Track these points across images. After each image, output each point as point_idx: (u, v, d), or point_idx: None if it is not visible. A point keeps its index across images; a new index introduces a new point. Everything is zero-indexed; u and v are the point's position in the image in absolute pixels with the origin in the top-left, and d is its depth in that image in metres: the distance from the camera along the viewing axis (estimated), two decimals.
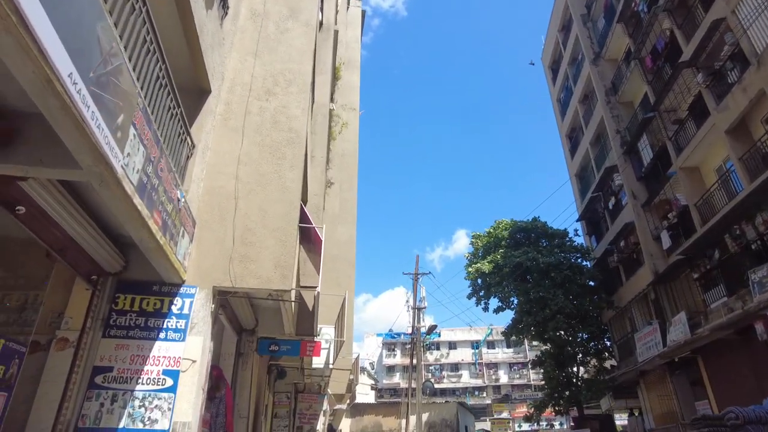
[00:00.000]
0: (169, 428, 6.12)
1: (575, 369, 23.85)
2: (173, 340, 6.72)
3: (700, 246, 16.93)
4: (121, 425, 5.91)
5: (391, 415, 27.23)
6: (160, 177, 4.97)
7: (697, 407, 19.11)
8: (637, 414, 24.03)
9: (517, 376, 61.37)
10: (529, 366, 59.59)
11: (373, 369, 53.02)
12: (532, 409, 25.08)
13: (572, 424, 34.87)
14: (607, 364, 26.59)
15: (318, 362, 12.85)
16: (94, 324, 6.08)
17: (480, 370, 62.65)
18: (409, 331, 49.53)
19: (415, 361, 21.08)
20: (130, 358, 6.30)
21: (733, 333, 15.40)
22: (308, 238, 9.38)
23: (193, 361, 6.56)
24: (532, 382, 58.74)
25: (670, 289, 19.77)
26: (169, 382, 6.47)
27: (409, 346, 43.63)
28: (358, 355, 17.57)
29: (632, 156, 23.08)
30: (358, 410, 28.91)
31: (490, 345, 64.92)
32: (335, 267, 19.86)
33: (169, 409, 6.27)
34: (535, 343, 28.10)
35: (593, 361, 25.87)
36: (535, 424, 29.98)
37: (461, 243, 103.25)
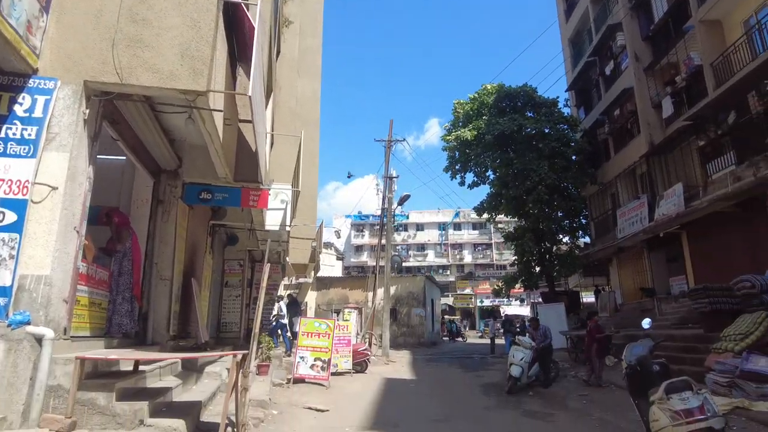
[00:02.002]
0: (12, 284, 3.91)
1: (549, 245, 22.96)
2: (16, 155, 4.33)
3: (712, 109, 14.93)
4: None
5: (357, 288, 26.54)
6: None
7: (671, 283, 18.66)
8: (607, 290, 23.92)
9: (481, 256, 62.71)
10: (493, 247, 60.91)
11: (341, 249, 52.70)
12: (502, 284, 24.58)
13: (539, 299, 35.69)
14: (580, 242, 26.08)
15: (272, 223, 10.76)
16: None
17: (445, 250, 63.68)
18: (378, 213, 48.56)
19: (384, 235, 19.53)
20: None
21: (732, 205, 14.10)
22: (243, 44, 6.66)
23: (53, 188, 4.20)
24: (494, 262, 60.32)
25: (664, 162, 18.16)
26: (11, 216, 4.15)
27: (378, 227, 42.84)
28: (323, 222, 15.76)
29: (640, 12, 20.11)
30: (324, 284, 28.15)
31: (456, 227, 65.48)
32: (296, 126, 17.21)
33: (11, 256, 4.00)
34: (504, 219, 27.19)
35: (566, 239, 25.16)
36: (505, 299, 30.08)
37: (433, 132, 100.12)
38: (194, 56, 4.72)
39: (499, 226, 61.93)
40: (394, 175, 18.93)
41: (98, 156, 7.22)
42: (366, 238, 65.33)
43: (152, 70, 4.65)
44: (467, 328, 46.27)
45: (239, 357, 4.56)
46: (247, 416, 5.01)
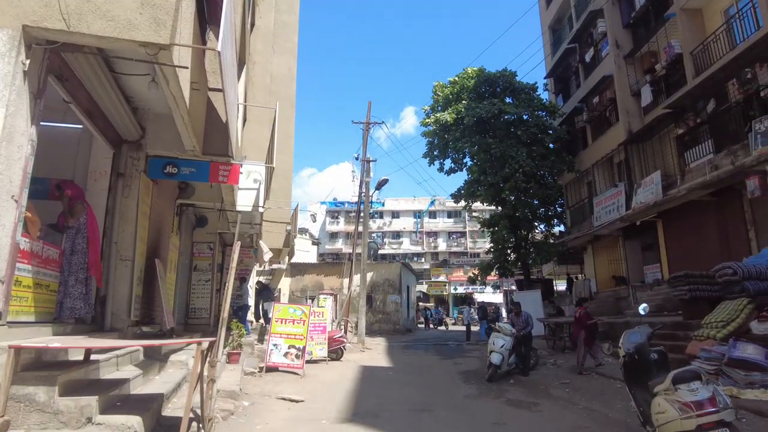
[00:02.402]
0: None
1: (525, 233, 22.93)
2: None
3: (691, 97, 14.92)
4: None
5: (332, 275, 26.05)
6: None
7: (645, 272, 18.81)
8: (581, 278, 24.08)
9: (455, 244, 62.96)
10: (468, 236, 61.18)
11: (316, 235, 51.97)
12: (478, 271, 24.49)
13: (513, 287, 35.89)
14: (555, 231, 26.20)
15: (244, 204, 10.18)
16: None
17: (420, 238, 63.70)
18: (354, 200, 47.81)
19: (362, 220, 19.07)
20: None
21: (709, 194, 14.16)
22: (213, 5, 6.08)
23: None
24: (468, 250, 60.63)
25: (642, 150, 18.18)
26: None
27: (353, 214, 42.21)
28: (297, 205, 15.21)
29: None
30: (298, 270, 27.55)
31: (432, 215, 65.56)
32: (272, 104, 16.51)
33: None
34: (479, 207, 26.94)
35: (541, 227, 25.23)
36: (480, 286, 30.05)
37: (409, 122, 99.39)
38: (156, 4, 4.15)
39: (474, 214, 62.41)
40: (372, 159, 18.43)
41: (53, 124, 6.61)
42: (341, 225, 64.81)
43: (106, 17, 4.05)
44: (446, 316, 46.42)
45: (205, 345, 4.07)
46: (213, 409, 4.54)
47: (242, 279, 13.76)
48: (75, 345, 3.91)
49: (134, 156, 6.73)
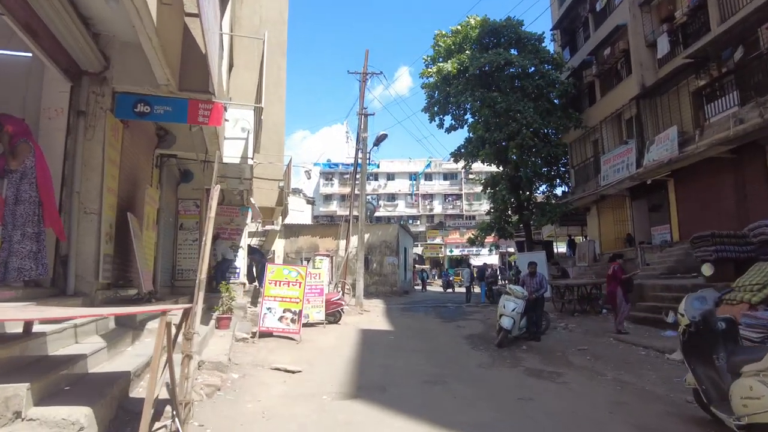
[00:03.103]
0: None
1: (527, 193, 22.09)
2: None
3: (715, 46, 13.82)
4: None
5: (328, 236, 25.22)
6: None
7: (653, 232, 18.16)
8: (585, 240, 23.45)
9: (451, 206, 62.29)
10: (464, 198, 60.43)
11: (311, 196, 50.86)
12: (477, 232, 23.76)
13: (510, 249, 35.34)
14: (557, 191, 25.42)
15: (231, 155, 9.20)
16: None
17: (416, 201, 62.93)
18: (348, 161, 46.50)
19: (359, 179, 18.10)
20: None
21: (728, 151, 13.28)
22: None
23: None
24: (464, 213, 60.06)
25: (655, 105, 17.18)
26: None
27: (348, 176, 40.94)
28: (291, 159, 14.18)
29: None
30: (292, 231, 26.68)
31: (428, 177, 64.60)
32: (258, 47, 15.23)
33: None
34: (477, 168, 25.87)
35: (542, 187, 24.40)
36: (479, 248, 29.43)
37: (404, 82, 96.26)
38: None
39: (471, 176, 61.42)
40: (370, 113, 17.28)
41: None
42: (336, 187, 63.78)
43: None
44: (436, 278, 46.16)
45: (172, 316, 3.20)
46: (190, 391, 3.73)
47: (215, 237, 12.74)
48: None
49: (97, 91, 5.69)
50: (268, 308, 9.18)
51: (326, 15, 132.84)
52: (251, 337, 8.92)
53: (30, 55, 5.42)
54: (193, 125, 7.73)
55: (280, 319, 9.16)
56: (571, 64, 22.03)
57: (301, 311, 9.29)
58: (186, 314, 3.66)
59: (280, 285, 9.32)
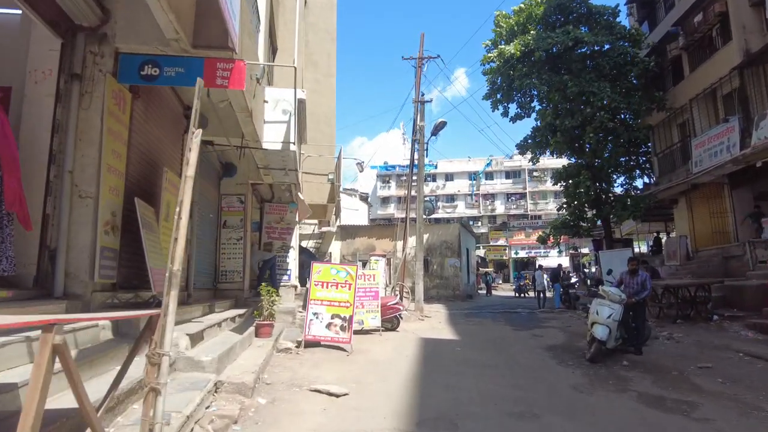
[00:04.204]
0: None
1: (605, 186, 19.78)
2: None
3: None
4: None
5: (385, 238, 24.04)
6: None
7: (764, 225, 15.47)
8: (673, 235, 20.77)
9: (514, 206, 59.58)
10: (528, 197, 57.46)
11: (364, 192, 49.98)
12: (550, 230, 21.62)
13: (585, 250, 32.66)
14: (636, 183, 22.80)
15: (271, 140, 8.13)
16: None
17: (476, 201, 60.71)
18: (405, 163, 45.23)
19: (416, 174, 16.71)
20: None
21: None
22: None
23: None
24: (529, 212, 57.19)
25: (764, 74, 14.60)
26: None
27: (405, 178, 39.65)
28: (341, 149, 13.06)
29: None
30: (348, 232, 25.74)
31: (488, 176, 62.26)
32: (308, 39, 14.26)
33: None
34: (540, 166, 23.59)
35: (620, 179, 21.87)
36: (555, 247, 27.12)
37: (460, 84, 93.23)
38: None
39: (535, 174, 58.33)
40: (427, 99, 15.87)
41: None
42: (392, 190, 62.84)
43: None
44: (500, 281, 43.82)
45: (56, 332, 1.92)
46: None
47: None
48: None
49: (95, 51, 4.70)
50: (315, 314, 7.98)
51: (376, 10, 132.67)
52: (296, 346, 7.76)
53: (20, 12, 4.52)
54: (221, 102, 6.72)
55: (328, 326, 7.94)
56: (650, 40, 19.53)
57: (351, 317, 8.02)
58: (150, 327, 2.43)
59: (327, 287, 8.10)
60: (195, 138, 2.89)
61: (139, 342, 2.58)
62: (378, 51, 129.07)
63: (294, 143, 8.18)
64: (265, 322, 7.53)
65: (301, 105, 8.95)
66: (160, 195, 5.76)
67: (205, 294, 9.21)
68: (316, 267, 8.23)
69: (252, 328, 7.48)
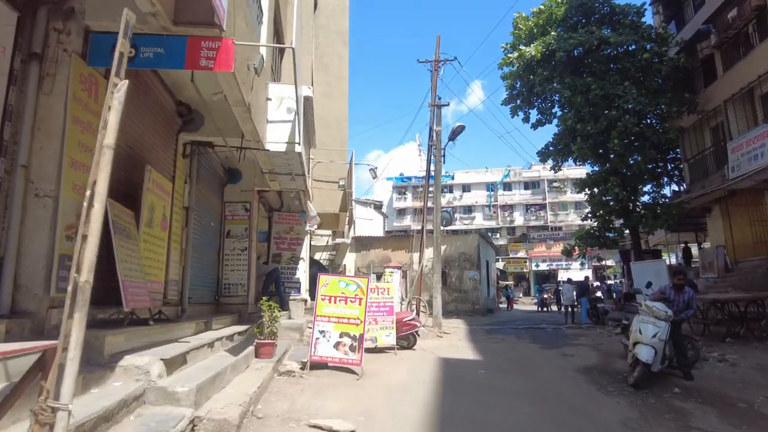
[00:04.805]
0: None
1: (632, 194, 18.69)
2: None
3: None
4: None
5: (401, 249, 23.22)
6: None
7: None
8: (708, 246, 19.53)
9: (534, 217, 58.19)
10: (548, 207, 56.10)
11: (382, 206, 49.26)
12: (575, 242, 20.55)
13: (609, 262, 31.29)
14: (664, 191, 21.58)
15: (275, 140, 7.45)
16: None
17: (494, 212, 59.54)
18: (421, 175, 44.35)
19: (433, 185, 15.92)
20: None
21: None
22: None
23: None
24: (549, 224, 55.78)
25: None
26: None
27: (421, 189, 38.95)
28: (353, 154, 12.34)
29: None
30: (363, 244, 25.00)
31: (507, 187, 61.11)
32: (318, 41, 13.69)
33: None
34: (560, 176, 22.45)
35: (647, 187, 20.66)
36: (581, 259, 25.95)
37: (476, 97, 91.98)
38: None
39: (554, 185, 57.03)
40: (444, 103, 15.11)
41: None
42: (409, 201, 62.01)
43: None
44: (521, 294, 42.44)
45: None
46: None
47: (258, 257, 11.06)
48: None
49: (60, 28, 4.05)
50: (321, 332, 7.18)
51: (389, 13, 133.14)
52: (301, 368, 6.96)
53: None
54: (214, 95, 6.06)
55: (336, 345, 7.13)
56: (680, 38, 18.53)
57: (362, 335, 7.20)
58: (41, 367, 1.68)
59: (335, 302, 7.31)
60: (117, 93, 2.16)
61: (20, 390, 1.83)
62: (393, 55, 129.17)
63: (299, 143, 7.48)
64: (266, 342, 6.76)
65: (307, 103, 8.27)
66: (141, 197, 5.06)
67: (205, 309, 8.51)
68: (323, 279, 7.44)
69: (251, 348, 6.72)
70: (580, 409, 5.38)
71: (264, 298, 7.26)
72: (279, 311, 7.05)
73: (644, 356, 6.50)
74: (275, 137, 7.49)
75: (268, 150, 7.44)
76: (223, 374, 4.79)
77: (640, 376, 6.53)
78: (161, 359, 3.99)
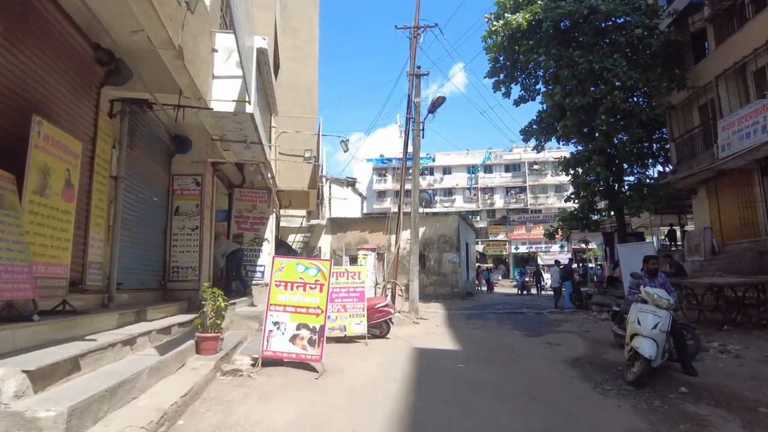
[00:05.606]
0: None
1: (618, 174, 18.03)
2: None
3: None
4: None
5: (378, 231, 22.24)
6: None
7: None
8: (693, 228, 19.02)
9: (514, 200, 57.94)
10: (528, 190, 55.73)
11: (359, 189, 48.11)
12: (558, 224, 19.88)
13: (591, 245, 30.91)
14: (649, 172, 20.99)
15: (222, 97, 6.32)
16: None
17: (475, 195, 59.07)
18: (401, 156, 43.48)
19: (411, 167, 14.91)
20: None
21: None
22: None
23: None
24: (529, 206, 55.55)
25: None
26: None
27: (401, 170, 37.80)
28: (320, 121, 11.21)
29: None
30: (339, 226, 23.97)
31: (487, 169, 60.62)
32: (286, 2, 12.42)
33: None
34: (541, 157, 21.69)
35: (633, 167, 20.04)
36: (564, 242, 25.40)
37: (458, 79, 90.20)
38: None
39: (535, 167, 56.60)
40: (424, 72, 14.02)
41: None
42: (389, 183, 61.05)
43: None
44: (500, 277, 42.02)
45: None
46: None
47: (216, 236, 10.18)
48: None
49: None
50: (275, 323, 6.17)
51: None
52: (252, 365, 5.97)
53: None
54: (133, 33, 4.90)
55: (293, 339, 6.14)
56: (673, 8, 17.67)
57: (323, 327, 6.21)
58: None
59: (292, 288, 6.29)
60: None
61: None
62: (370, 21, 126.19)
63: (249, 103, 6.36)
64: (208, 335, 5.73)
65: (261, 57, 7.13)
66: (26, 156, 3.91)
67: (147, 296, 7.40)
68: (278, 262, 6.39)
69: (192, 342, 5.69)
70: (575, 413, 4.52)
71: (205, 284, 6.19)
72: (224, 300, 5.99)
73: (647, 351, 5.66)
74: (222, 95, 6.36)
75: (213, 109, 6.32)
76: (133, 381, 3.75)
77: (642, 373, 5.71)
78: (23, 371, 2.93)
